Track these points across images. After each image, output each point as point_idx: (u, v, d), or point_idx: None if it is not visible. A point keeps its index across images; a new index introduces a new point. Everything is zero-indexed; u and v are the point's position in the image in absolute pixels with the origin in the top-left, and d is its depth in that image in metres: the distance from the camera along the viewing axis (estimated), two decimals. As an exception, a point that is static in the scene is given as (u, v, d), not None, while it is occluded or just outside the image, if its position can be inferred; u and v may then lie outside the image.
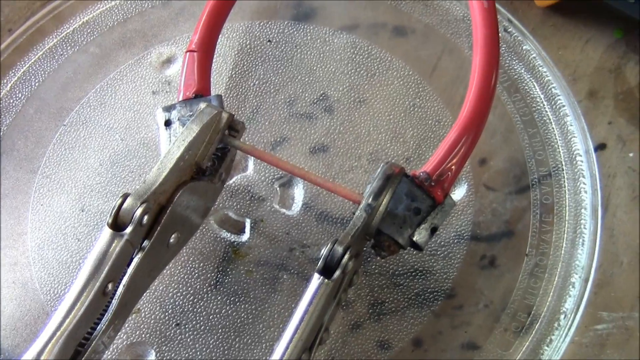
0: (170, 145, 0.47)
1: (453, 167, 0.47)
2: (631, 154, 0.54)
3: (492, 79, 0.50)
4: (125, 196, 0.44)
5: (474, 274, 0.51)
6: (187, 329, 0.50)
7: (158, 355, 0.50)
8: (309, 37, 0.60)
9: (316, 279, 0.42)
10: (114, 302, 0.45)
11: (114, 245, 0.43)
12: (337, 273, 0.42)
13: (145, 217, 0.44)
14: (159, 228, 0.46)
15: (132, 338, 0.51)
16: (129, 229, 0.44)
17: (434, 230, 0.47)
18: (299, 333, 0.41)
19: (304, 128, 0.56)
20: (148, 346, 0.50)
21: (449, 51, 0.59)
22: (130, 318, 0.50)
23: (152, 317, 0.51)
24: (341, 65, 0.59)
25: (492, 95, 0.50)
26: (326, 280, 0.42)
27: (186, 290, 0.52)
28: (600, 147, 0.55)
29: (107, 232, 0.44)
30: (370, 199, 0.44)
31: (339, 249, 0.42)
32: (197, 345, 0.50)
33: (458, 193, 0.54)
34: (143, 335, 0.51)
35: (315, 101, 0.57)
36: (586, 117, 0.55)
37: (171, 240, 0.48)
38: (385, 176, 0.45)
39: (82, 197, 0.55)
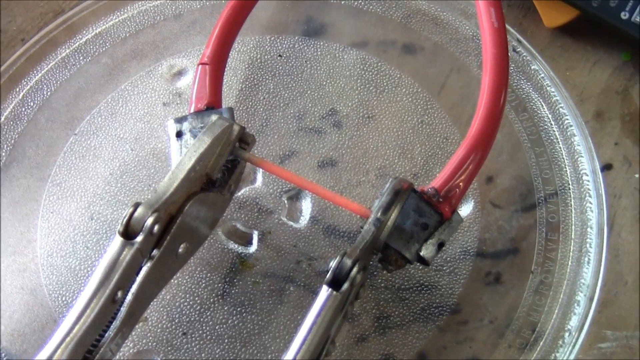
0: (182, 156, 0.47)
1: (461, 184, 0.48)
2: (637, 175, 0.55)
3: (500, 98, 0.50)
4: (136, 205, 0.45)
5: (479, 290, 0.51)
6: (193, 339, 0.51)
7: (164, 364, 0.50)
8: (319, 53, 0.61)
9: (325, 291, 0.42)
10: (123, 309, 0.45)
11: (124, 253, 0.44)
12: (346, 285, 0.42)
13: (156, 227, 0.45)
14: (168, 237, 0.46)
15: (139, 346, 0.51)
16: (139, 238, 0.44)
17: (441, 245, 0.47)
18: (306, 344, 0.42)
19: (312, 142, 0.57)
20: (154, 354, 0.51)
21: (458, 69, 0.59)
22: (137, 326, 0.51)
23: (159, 325, 0.51)
24: (350, 81, 0.59)
25: (500, 115, 0.50)
26: (334, 292, 0.42)
27: (193, 300, 0.52)
28: (606, 168, 0.55)
29: (118, 240, 0.44)
30: (379, 213, 0.45)
31: (348, 262, 0.43)
32: (203, 355, 0.50)
33: (464, 210, 0.54)
34: (150, 344, 0.51)
35: (324, 116, 0.58)
36: (593, 138, 0.56)
37: (180, 250, 0.48)
38: (394, 191, 0.46)
39: (91, 206, 0.56)
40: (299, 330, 0.42)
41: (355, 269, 0.43)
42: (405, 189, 0.46)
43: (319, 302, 0.42)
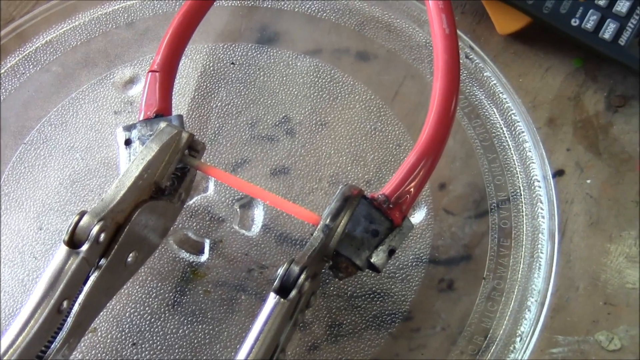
0: (129, 163, 0.47)
1: (411, 190, 0.48)
2: (589, 181, 0.55)
3: (451, 104, 0.50)
4: (82, 214, 0.44)
5: (432, 296, 0.51)
6: (143, 349, 0.50)
7: (114, 375, 0.50)
8: (272, 60, 0.60)
9: (272, 299, 0.42)
10: (69, 320, 0.45)
11: (69, 262, 0.43)
12: (293, 293, 0.42)
13: (102, 235, 0.44)
14: (116, 246, 0.46)
15: (87, 357, 0.50)
16: (85, 247, 0.43)
17: (391, 252, 0.47)
18: (254, 352, 0.41)
19: (265, 150, 0.57)
20: (103, 366, 0.50)
21: (411, 77, 0.59)
22: (86, 337, 0.50)
23: (109, 336, 0.51)
24: (304, 89, 0.59)
25: (451, 121, 0.50)
26: (282, 299, 0.42)
27: (143, 309, 0.51)
28: (558, 174, 0.56)
29: (62, 249, 0.43)
30: (328, 220, 0.45)
31: (296, 269, 0.42)
32: (153, 366, 0.50)
33: (417, 217, 0.54)
34: (99, 355, 0.50)
35: (277, 124, 0.58)
36: (545, 144, 0.56)
37: (129, 259, 0.48)
38: (344, 198, 0.45)
39: (40, 216, 0.55)
40: (246, 338, 0.41)
41: (303, 276, 0.42)
42: (355, 196, 0.46)
43: (266, 309, 0.42)
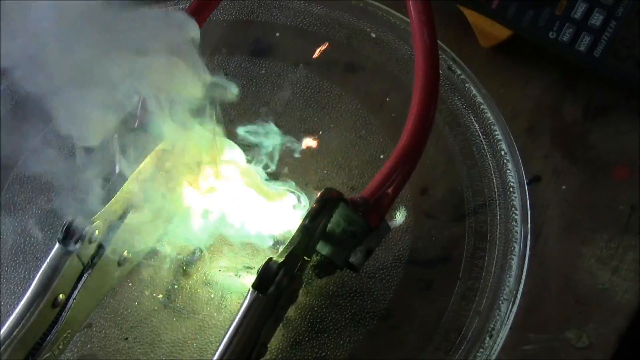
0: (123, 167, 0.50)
1: (389, 193, 0.50)
2: (564, 187, 0.57)
3: (429, 113, 0.53)
4: (76, 214, 0.47)
5: (410, 296, 0.54)
6: (135, 343, 0.53)
7: (107, 367, 0.53)
8: (264, 72, 0.63)
9: (251, 294, 0.45)
10: (64, 314, 0.48)
11: (63, 259, 0.46)
12: (272, 288, 0.45)
13: (95, 235, 0.47)
14: (108, 246, 0.49)
15: (83, 351, 0.53)
16: (77, 245, 0.47)
17: (369, 252, 0.50)
18: (233, 344, 0.44)
19: (255, 155, 0.59)
20: (98, 359, 0.53)
21: (397, 88, 0.62)
22: (82, 332, 0.53)
23: (103, 331, 0.53)
24: (293, 98, 0.62)
25: (428, 129, 0.52)
26: (260, 295, 0.45)
27: (136, 306, 0.54)
28: (535, 179, 0.58)
29: (57, 247, 0.47)
30: (307, 221, 0.47)
31: (274, 266, 0.45)
32: (143, 358, 0.52)
33: (399, 220, 0.56)
34: (94, 348, 0.53)
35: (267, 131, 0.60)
36: (524, 151, 0.58)
37: (122, 258, 0.51)
38: (323, 200, 0.48)
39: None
40: (227, 331, 0.44)
41: (281, 273, 0.45)
42: (335, 198, 0.48)
43: (246, 304, 0.45)
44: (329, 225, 0.49)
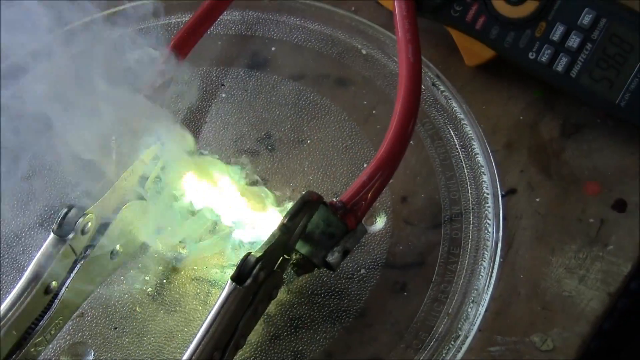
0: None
1: (367, 198, 0.53)
2: (538, 199, 0.60)
3: (408, 124, 0.56)
4: (70, 207, 0.50)
5: (385, 296, 0.57)
6: (124, 333, 0.56)
7: (96, 355, 0.56)
8: (259, 83, 0.67)
9: (229, 285, 0.48)
10: (56, 301, 0.51)
11: (56, 248, 0.50)
12: (249, 281, 0.48)
13: (87, 227, 0.51)
14: (101, 239, 0.52)
15: (74, 339, 0.56)
16: (70, 236, 0.50)
17: (345, 253, 0.53)
18: (210, 331, 0.47)
19: (247, 162, 0.63)
20: (88, 347, 0.56)
21: (383, 102, 0.65)
22: (74, 321, 0.56)
23: (94, 320, 0.57)
24: (286, 109, 0.65)
25: (407, 139, 0.56)
26: (238, 286, 0.48)
27: (126, 297, 0.57)
28: (511, 192, 0.61)
29: (51, 237, 0.50)
30: (286, 220, 0.50)
31: (252, 260, 0.48)
32: (132, 347, 0.56)
33: (379, 225, 0.59)
34: (84, 337, 0.56)
35: (259, 139, 0.64)
36: (501, 165, 0.61)
37: (114, 251, 0.54)
38: (303, 201, 0.51)
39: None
40: (205, 319, 0.47)
41: (258, 267, 0.48)
42: (315, 201, 0.52)
43: (223, 294, 0.48)
44: (309, 226, 0.52)
